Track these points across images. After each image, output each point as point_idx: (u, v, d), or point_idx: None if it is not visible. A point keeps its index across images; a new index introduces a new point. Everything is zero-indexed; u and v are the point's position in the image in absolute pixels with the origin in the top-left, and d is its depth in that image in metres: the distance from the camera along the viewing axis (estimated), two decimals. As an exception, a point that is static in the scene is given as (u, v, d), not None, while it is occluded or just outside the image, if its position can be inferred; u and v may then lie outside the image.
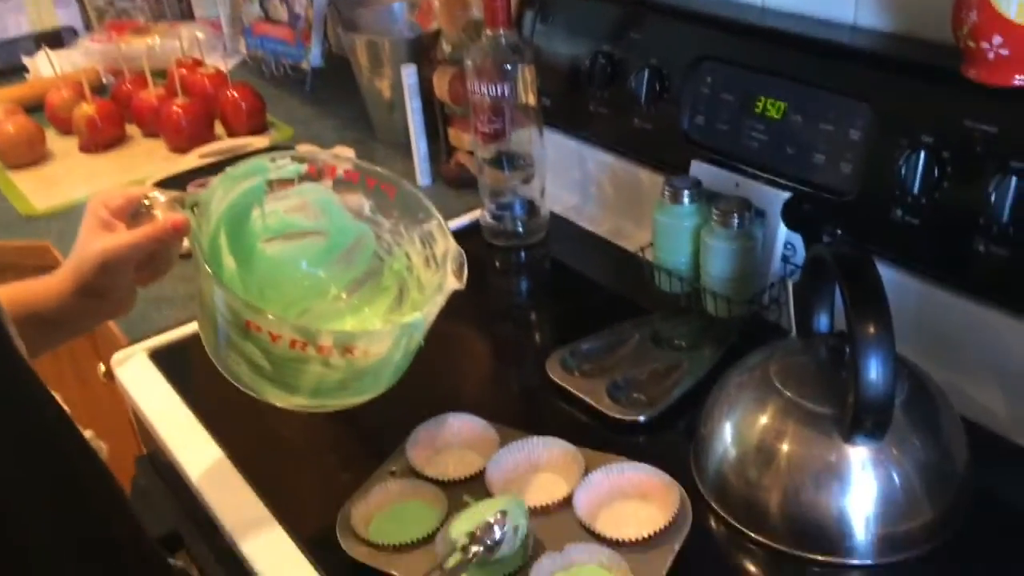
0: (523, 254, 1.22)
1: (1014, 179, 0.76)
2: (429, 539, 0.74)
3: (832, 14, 0.96)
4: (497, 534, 0.67)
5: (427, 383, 0.87)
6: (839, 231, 0.85)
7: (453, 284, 0.81)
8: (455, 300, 0.79)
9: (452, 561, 0.67)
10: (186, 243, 0.79)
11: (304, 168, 0.87)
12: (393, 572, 0.72)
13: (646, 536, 0.72)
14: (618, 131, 1.14)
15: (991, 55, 0.76)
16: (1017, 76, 0.77)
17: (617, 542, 0.72)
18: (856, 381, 0.69)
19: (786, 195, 0.93)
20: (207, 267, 0.75)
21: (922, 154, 0.81)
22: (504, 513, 0.69)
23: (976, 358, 0.84)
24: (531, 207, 1.22)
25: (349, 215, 0.90)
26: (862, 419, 0.71)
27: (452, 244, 0.83)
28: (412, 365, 0.81)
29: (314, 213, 0.90)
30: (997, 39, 0.75)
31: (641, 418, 0.89)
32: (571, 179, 1.28)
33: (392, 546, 0.73)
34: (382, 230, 0.89)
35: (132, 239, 0.75)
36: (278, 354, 0.77)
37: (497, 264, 1.22)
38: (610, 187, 1.21)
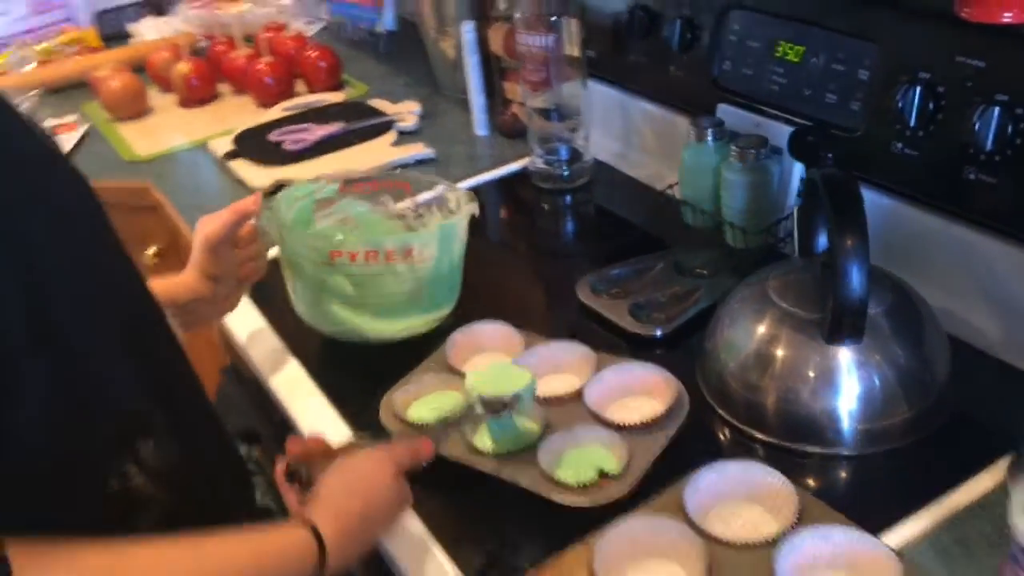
0: (568, 197, 1.32)
1: (997, 110, 0.82)
2: (456, 421, 0.85)
3: None
4: (508, 398, 0.78)
5: (470, 302, 1.02)
6: (830, 155, 0.92)
7: (470, 208, 0.97)
8: (503, 235, 0.92)
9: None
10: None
11: (338, 187, 1.08)
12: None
13: (644, 421, 0.82)
14: (655, 80, 1.23)
15: (979, -6, 0.82)
16: (1005, 13, 0.82)
17: (618, 426, 0.82)
18: (835, 288, 0.77)
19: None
20: (294, 227, 0.93)
21: (918, 89, 0.88)
22: (520, 390, 0.80)
23: (966, 280, 0.90)
24: (575, 153, 1.31)
25: (380, 216, 1.09)
26: (840, 322, 0.79)
27: (461, 191, 1.03)
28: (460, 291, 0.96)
29: (354, 224, 1.09)
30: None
31: (657, 332, 0.98)
32: (615, 128, 1.37)
33: (423, 425, 0.85)
34: (408, 219, 1.09)
35: (221, 219, 0.90)
36: (358, 273, 0.94)
37: (544, 206, 1.33)
38: (650, 134, 1.29)
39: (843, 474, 0.82)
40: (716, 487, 0.75)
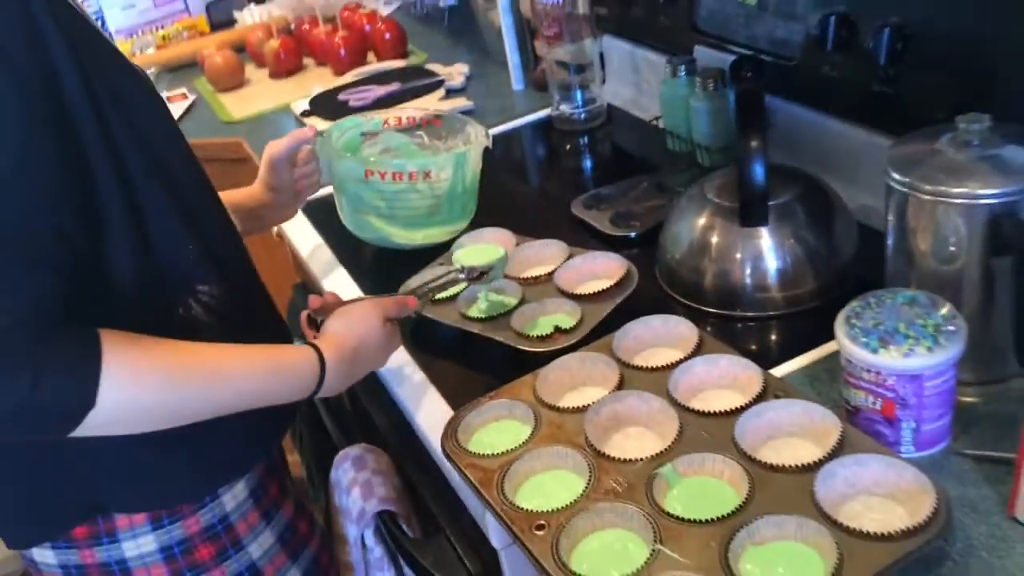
0: (584, 138, 1.53)
1: (888, 31, 0.99)
2: (453, 298, 1.08)
3: None
4: (484, 267, 1.01)
5: (484, 217, 1.25)
6: (750, 74, 1.10)
7: (482, 140, 1.18)
8: (522, 168, 1.14)
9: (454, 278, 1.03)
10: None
11: (382, 123, 1.30)
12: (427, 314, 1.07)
13: (596, 291, 1.03)
14: (650, 30, 1.42)
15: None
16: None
17: (577, 296, 1.04)
18: (740, 181, 0.96)
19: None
20: (339, 151, 1.17)
21: (832, 19, 1.05)
22: (491, 265, 1.02)
23: (871, 174, 1.06)
24: (590, 100, 1.52)
25: (416, 147, 1.31)
26: (747, 209, 0.98)
27: (480, 128, 1.24)
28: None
29: (394, 153, 1.31)
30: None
31: (632, 235, 1.19)
32: (626, 76, 1.56)
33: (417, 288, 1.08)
34: (438, 149, 1.30)
35: (283, 142, 1.15)
36: (388, 190, 1.18)
37: (566, 146, 1.54)
38: (651, 78, 1.49)
39: (757, 330, 1.01)
40: (642, 335, 0.96)
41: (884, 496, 0.74)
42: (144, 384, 0.68)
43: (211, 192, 0.92)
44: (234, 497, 0.90)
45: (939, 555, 0.70)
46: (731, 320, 1.02)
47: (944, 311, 0.77)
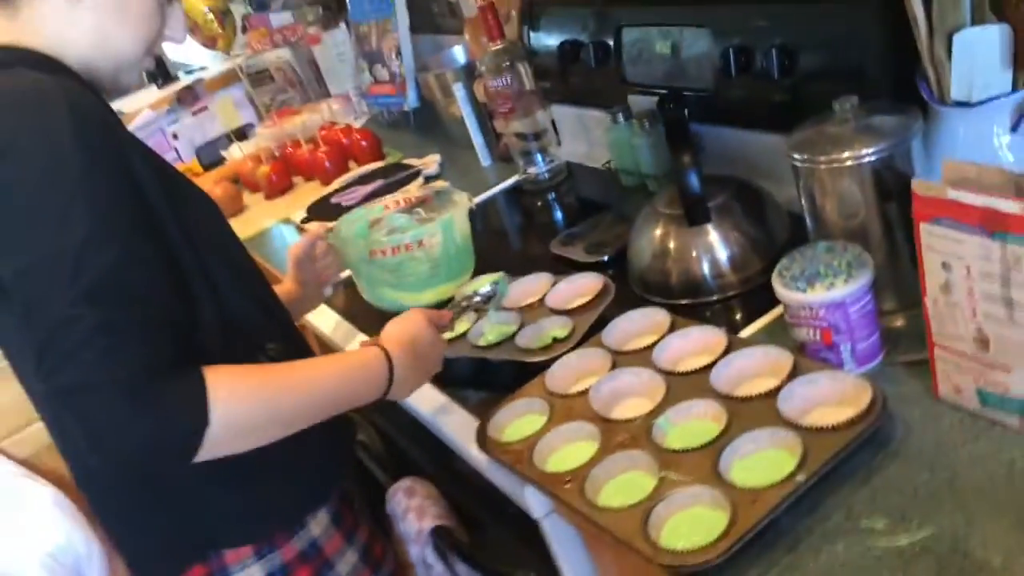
0: (552, 193, 1.74)
1: (774, 51, 1.21)
2: (464, 335, 1.27)
3: None
4: (488, 290, 1.19)
5: (481, 269, 1.43)
6: (672, 105, 1.31)
7: (464, 203, 1.39)
8: (505, 226, 1.37)
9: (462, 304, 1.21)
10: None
11: (383, 209, 1.50)
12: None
13: (581, 304, 1.22)
14: (588, 91, 1.65)
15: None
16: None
17: (567, 311, 1.22)
18: (679, 190, 1.16)
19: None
20: (347, 239, 1.38)
21: (731, 51, 1.28)
22: (495, 283, 1.21)
23: (787, 169, 1.26)
24: (551, 161, 1.74)
25: (416, 222, 1.49)
26: (690, 211, 1.17)
27: (462, 193, 1.45)
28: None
29: (399, 231, 1.49)
30: (744, -32, 1.21)
31: (605, 258, 1.38)
32: (578, 135, 1.79)
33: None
34: (433, 220, 1.47)
35: (302, 241, 1.34)
36: (391, 263, 1.37)
37: (537, 203, 1.75)
38: (599, 133, 1.71)
39: (721, 309, 1.19)
40: (626, 327, 1.14)
41: (836, 404, 0.91)
42: (244, 399, 0.84)
43: (261, 272, 1.11)
44: (319, 524, 1.06)
45: (884, 437, 0.87)
46: (699, 306, 1.21)
47: (852, 251, 0.96)
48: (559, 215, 1.70)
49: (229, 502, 0.98)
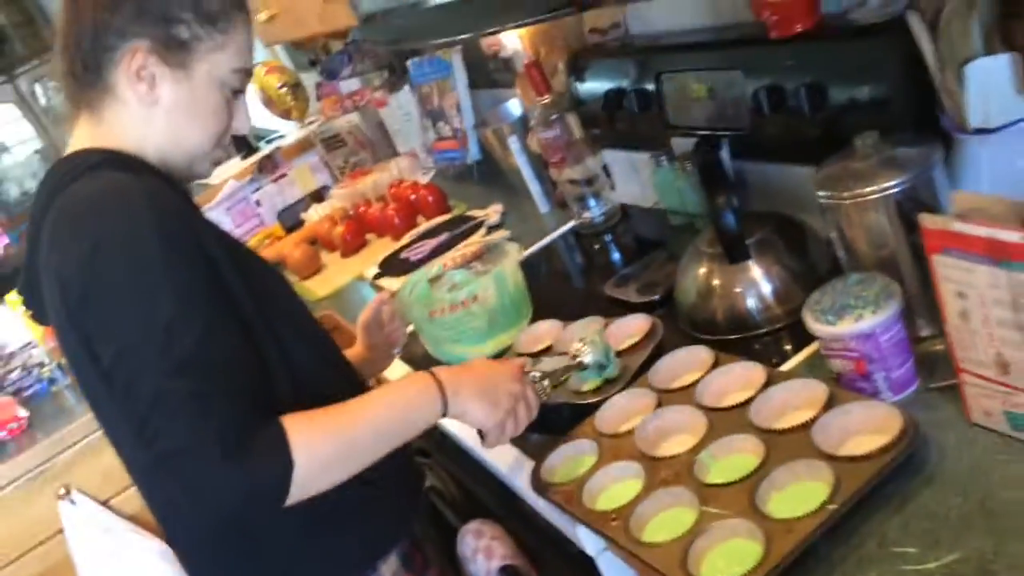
0: (608, 235, 1.80)
1: (803, 89, 1.24)
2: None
3: (697, 22, 1.49)
4: (588, 359, 1.22)
5: (539, 314, 1.50)
6: (706, 148, 1.35)
7: (514, 255, 1.46)
8: (563, 269, 1.47)
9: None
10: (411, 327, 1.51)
11: (442, 267, 1.58)
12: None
13: (631, 345, 1.27)
14: (636, 135, 1.71)
15: (772, 20, 1.26)
16: (796, 25, 1.25)
17: (618, 353, 1.27)
18: (717, 231, 1.21)
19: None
20: (408, 304, 1.46)
21: (763, 91, 1.32)
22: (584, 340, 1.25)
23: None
24: (605, 204, 1.80)
25: (474, 275, 1.57)
26: (730, 250, 1.21)
27: (512, 244, 1.52)
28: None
29: (459, 286, 1.57)
30: (768, 12, 1.25)
31: (656, 297, 1.43)
32: (630, 177, 1.84)
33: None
34: (487, 272, 1.55)
35: (368, 308, 1.41)
36: (450, 321, 1.45)
37: (594, 246, 1.81)
38: (647, 174, 1.76)
39: (769, 342, 1.22)
40: (671, 366, 1.18)
41: (871, 433, 0.93)
42: (320, 436, 0.92)
43: (324, 332, 1.20)
44: (389, 567, 1.13)
45: (919, 463, 0.89)
46: (748, 340, 1.24)
47: (881, 283, 0.98)
48: (616, 256, 1.75)
49: (307, 549, 1.06)
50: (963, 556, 0.78)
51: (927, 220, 0.83)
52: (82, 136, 1.06)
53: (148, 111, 1.04)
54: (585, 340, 1.23)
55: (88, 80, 1.03)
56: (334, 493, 0.95)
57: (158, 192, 0.97)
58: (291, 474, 0.88)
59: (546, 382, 1.16)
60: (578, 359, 1.21)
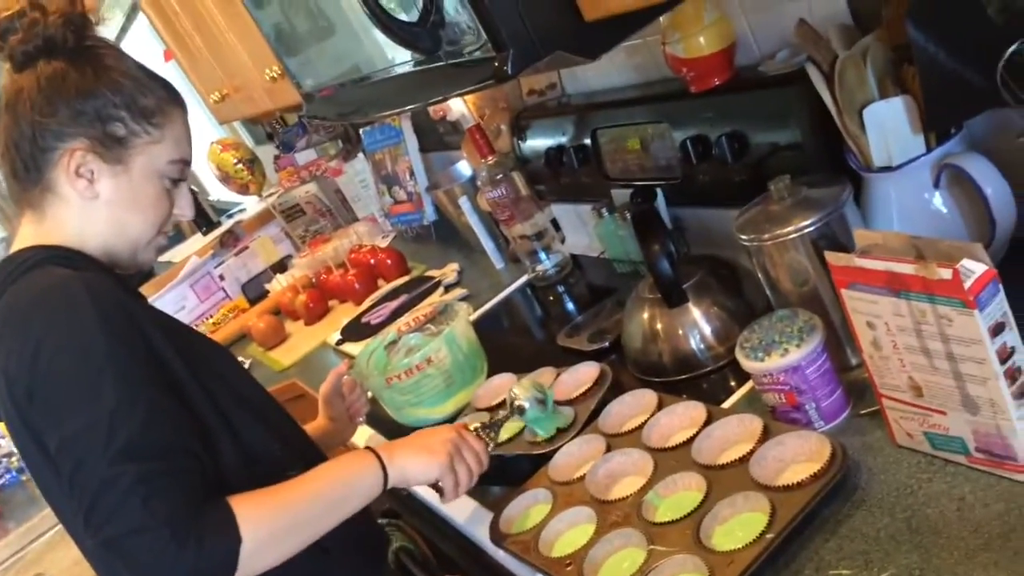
0: (561, 286, 1.85)
1: (724, 138, 1.31)
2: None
3: (626, 80, 1.57)
4: (526, 404, 1.27)
5: (496, 367, 1.53)
6: (640, 199, 1.42)
7: (463, 313, 1.50)
8: (519, 322, 1.50)
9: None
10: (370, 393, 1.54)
11: (397, 332, 1.61)
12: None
13: (580, 393, 1.31)
14: (577, 188, 1.77)
15: (690, 77, 1.33)
16: (714, 80, 1.33)
17: (569, 401, 1.32)
18: (655, 278, 1.26)
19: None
20: (363, 374, 1.49)
21: (689, 141, 1.39)
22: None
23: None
24: (555, 256, 1.85)
25: (430, 338, 1.60)
26: (667, 295, 1.27)
27: (462, 304, 1.57)
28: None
29: (415, 349, 1.60)
30: (685, 69, 1.33)
31: (606, 344, 1.47)
32: (578, 229, 1.90)
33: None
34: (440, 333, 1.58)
35: (327, 381, 1.44)
36: (407, 386, 1.48)
37: (549, 297, 1.86)
38: (592, 225, 1.82)
39: (715, 380, 1.27)
40: (620, 411, 1.23)
41: (805, 461, 0.98)
42: (265, 514, 0.95)
43: (280, 407, 1.23)
44: None
45: (850, 486, 0.93)
46: (694, 379, 1.29)
47: (804, 318, 1.04)
48: (570, 306, 1.80)
49: None
50: (894, 574, 0.82)
51: (832, 257, 0.88)
52: (26, 234, 1.10)
53: (89, 206, 1.08)
54: (515, 387, 1.28)
55: (30, 180, 1.07)
56: (289, 565, 0.97)
57: (100, 286, 1.01)
58: (239, 551, 0.91)
59: (492, 433, 1.20)
60: (516, 403, 1.26)
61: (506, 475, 1.30)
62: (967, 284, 0.76)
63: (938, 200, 1.07)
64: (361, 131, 2.65)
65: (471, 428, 1.20)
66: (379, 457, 1.06)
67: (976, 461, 0.86)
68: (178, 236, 3.62)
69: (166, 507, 0.89)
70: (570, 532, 1.07)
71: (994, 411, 0.81)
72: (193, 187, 2.93)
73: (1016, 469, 0.83)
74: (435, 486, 1.14)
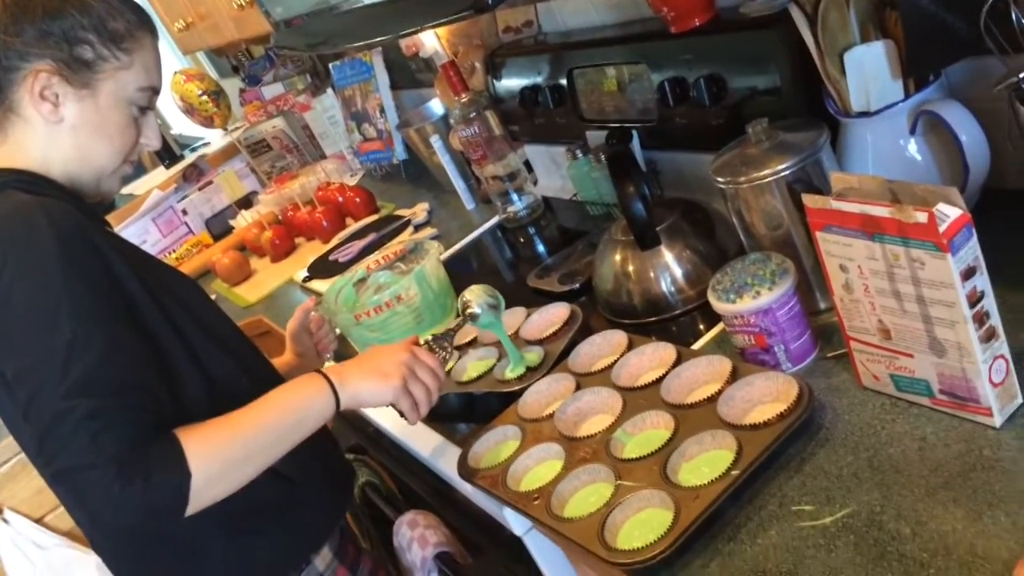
0: (532, 228, 1.84)
1: (703, 81, 1.30)
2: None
3: (605, 19, 1.54)
4: (478, 311, 1.26)
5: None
6: (615, 141, 1.41)
7: (434, 252, 1.48)
8: (489, 263, 1.47)
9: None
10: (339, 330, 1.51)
11: (366, 270, 1.59)
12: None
13: (551, 334, 1.31)
14: (553, 129, 1.75)
15: (671, 16, 1.32)
16: (695, 20, 1.31)
17: (539, 341, 1.32)
18: (628, 220, 1.26)
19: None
20: (332, 310, 1.47)
21: (667, 83, 1.37)
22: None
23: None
24: (526, 198, 1.84)
25: (399, 276, 1.58)
26: (640, 237, 1.26)
27: (433, 242, 1.54)
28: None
29: (385, 287, 1.58)
30: (665, 8, 1.31)
31: (576, 286, 1.47)
32: (551, 171, 1.89)
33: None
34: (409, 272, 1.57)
35: (294, 317, 1.41)
36: (376, 323, 1.47)
37: (519, 239, 1.85)
38: (566, 167, 1.81)
39: (685, 323, 1.28)
40: (589, 351, 1.23)
41: (772, 402, 0.99)
42: (215, 445, 0.94)
43: (247, 339, 1.22)
44: (323, 559, 1.15)
45: (816, 426, 0.95)
46: (664, 322, 1.30)
47: (776, 261, 1.04)
48: (540, 248, 1.80)
49: (237, 551, 1.08)
50: (855, 510, 0.84)
51: (808, 200, 0.88)
52: None
53: (53, 131, 1.04)
54: (467, 293, 1.27)
55: None
56: (253, 495, 0.97)
57: (61, 214, 0.98)
58: (188, 485, 0.90)
59: (444, 343, 1.19)
60: (468, 310, 1.26)
61: (475, 413, 1.31)
62: (942, 228, 0.77)
63: (913, 147, 1.07)
64: (330, 65, 2.60)
65: (423, 342, 1.18)
66: (330, 381, 1.04)
67: (939, 403, 0.88)
68: (140, 169, 3.55)
69: (114, 444, 0.88)
70: (538, 468, 1.08)
71: (960, 354, 0.83)
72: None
73: (978, 411, 0.85)
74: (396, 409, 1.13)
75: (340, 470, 1.25)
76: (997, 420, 0.84)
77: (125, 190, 2.99)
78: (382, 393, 1.08)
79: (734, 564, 0.85)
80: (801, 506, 0.87)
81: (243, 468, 0.97)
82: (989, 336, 0.82)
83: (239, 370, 1.13)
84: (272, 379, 1.21)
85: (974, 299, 0.80)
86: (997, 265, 0.83)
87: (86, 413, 0.88)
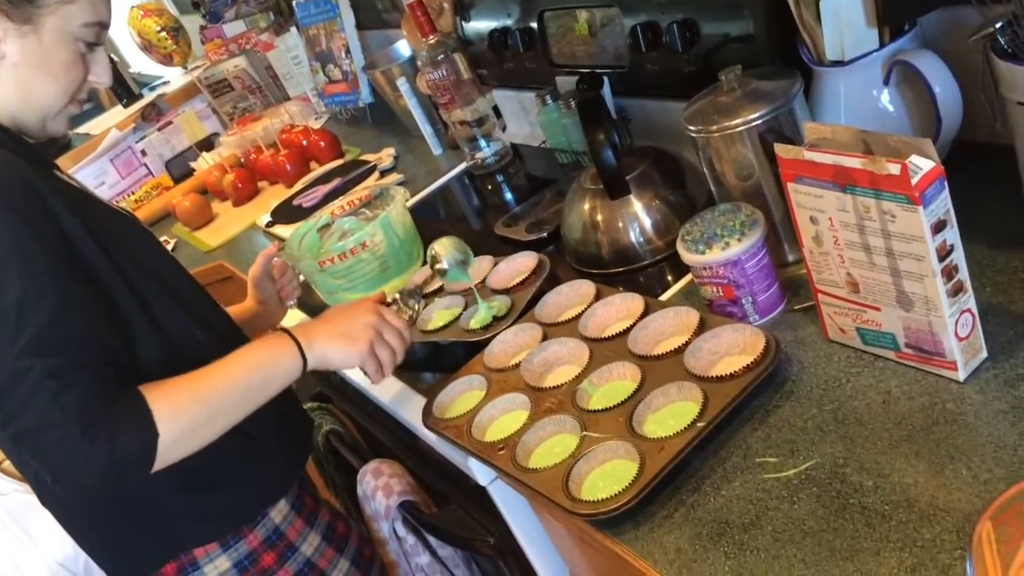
0: (500, 175, 1.81)
1: (676, 26, 1.27)
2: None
3: None
4: (446, 266, 1.25)
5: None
6: (586, 87, 1.38)
7: (399, 198, 1.45)
8: (456, 211, 1.45)
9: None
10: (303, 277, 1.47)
11: (331, 216, 1.54)
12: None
13: (518, 282, 1.30)
14: (523, 74, 1.72)
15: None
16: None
17: (506, 290, 1.30)
18: (598, 168, 1.23)
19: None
20: (295, 255, 1.43)
21: (639, 28, 1.34)
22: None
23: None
24: (495, 144, 1.81)
25: (364, 222, 1.53)
26: (610, 186, 1.25)
27: (398, 188, 1.49)
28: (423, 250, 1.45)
29: (349, 234, 1.52)
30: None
31: (544, 235, 1.45)
32: (519, 117, 1.86)
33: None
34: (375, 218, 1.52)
35: (256, 262, 1.38)
36: (340, 270, 1.43)
37: (487, 186, 1.82)
38: (535, 113, 1.77)
39: (653, 274, 1.27)
40: (557, 301, 1.22)
41: (739, 354, 0.99)
42: (181, 404, 0.92)
43: (202, 290, 1.19)
44: (279, 512, 1.14)
45: (781, 378, 0.95)
46: (632, 272, 1.29)
47: (746, 212, 1.03)
48: (508, 196, 1.77)
49: (192, 507, 1.07)
50: (818, 462, 0.84)
51: (781, 150, 0.87)
52: None
53: None
54: (436, 245, 1.26)
55: None
56: (213, 451, 0.96)
57: (3, 164, 0.94)
58: (156, 444, 0.89)
59: (411, 301, 1.18)
60: (437, 265, 1.24)
61: (440, 362, 1.30)
62: (914, 180, 0.76)
63: (886, 97, 1.06)
64: (294, 3, 2.52)
65: (391, 300, 1.16)
66: (298, 343, 1.03)
67: (905, 356, 0.88)
68: (97, 108, 3.44)
69: (77, 403, 0.86)
70: (504, 418, 1.07)
71: (928, 308, 0.82)
72: (112, 56, 2.78)
73: (943, 365, 0.85)
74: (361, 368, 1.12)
75: (298, 424, 1.24)
76: (961, 374, 0.84)
77: (81, 129, 2.90)
78: (349, 357, 1.07)
79: (697, 515, 0.85)
80: (765, 458, 0.87)
81: (208, 427, 0.95)
82: (957, 290, 0.82)
83: (193, 323, 1.10)
84: (228, 331, 1.19)
85: (944, 253, 0.79)
86: (966, 218, 0.82)
87: (44, 372, 0.85)
